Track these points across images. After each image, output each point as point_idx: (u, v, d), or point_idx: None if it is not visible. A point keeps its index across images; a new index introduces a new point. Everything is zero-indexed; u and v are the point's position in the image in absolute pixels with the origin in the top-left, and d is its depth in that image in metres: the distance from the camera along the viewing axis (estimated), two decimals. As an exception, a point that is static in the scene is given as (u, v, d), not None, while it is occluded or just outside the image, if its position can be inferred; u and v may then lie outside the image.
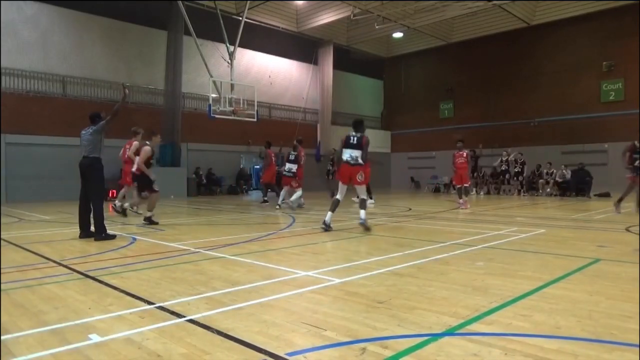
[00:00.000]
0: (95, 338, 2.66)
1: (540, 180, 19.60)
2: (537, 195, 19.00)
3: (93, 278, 4.23)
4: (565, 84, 22.53)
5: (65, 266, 4.81)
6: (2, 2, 14.47)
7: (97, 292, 3.76)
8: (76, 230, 7.69)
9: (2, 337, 2.69)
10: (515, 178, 19.85)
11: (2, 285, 4.00)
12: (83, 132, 7.00)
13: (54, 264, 4.94)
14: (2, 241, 6.74)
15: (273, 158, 14.07)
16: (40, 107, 16.80)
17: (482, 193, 21.00)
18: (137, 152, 9.25)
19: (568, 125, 22.40)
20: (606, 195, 17.10)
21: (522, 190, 19.63)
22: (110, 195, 17.09)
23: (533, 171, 20.07)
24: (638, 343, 2.53)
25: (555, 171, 19.35)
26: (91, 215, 6.80)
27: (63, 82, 17.65)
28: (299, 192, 12.22)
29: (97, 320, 3.01)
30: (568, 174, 18.78)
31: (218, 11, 18.64)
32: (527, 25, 23.12)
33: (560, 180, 18.91)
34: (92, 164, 6.76)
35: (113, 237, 6.74)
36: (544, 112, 23.26)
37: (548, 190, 19.14)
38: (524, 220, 9.50)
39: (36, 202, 15.45)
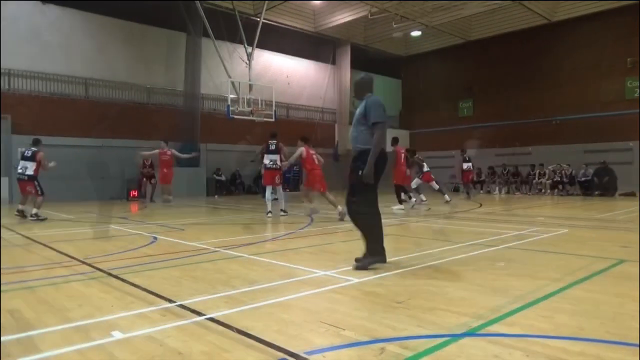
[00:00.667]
0: (117, 335, 2.72)
1: (544, 180, 19.36)
2: (560, 195, 18.68)
3: (115, 276, 4.31)
4: (588, 81, 22.05)
5: (89, 264, 4.90)
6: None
7: (119, 290, 3.83)
8: (100, 229, 7.88)
9: (29, 333, 2.76)
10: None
11: (28, 282, 4.11)
12: None
13: (78, 262, 5.05)
14: (28, 240, 6.91)
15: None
16: (64, 109, 17.16)
17: (502, 192, 20.75)
18: None
19: (591, 123, 21.91)
20: (631, 194, 16.71)
21: (543, 190, 19.37)
22: (131, 195, 17.38)
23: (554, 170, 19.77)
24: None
25: (572, 171, 19.04)
26: None
27: (85, 84, 17.99)
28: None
29: (120, 317, 3.07)
30: (590, 173, 18.42)
31: (236, 12, 18.80)
32: (548, 21, 22.71)
33: (582, 179, 18.57)
34: None
35: None
36: (565, 110, 22.81)
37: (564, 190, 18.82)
38: (546, 220, 9.35)
39: (61, 201, 15.78)
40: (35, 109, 16.50)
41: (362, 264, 4.53)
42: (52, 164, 10.27)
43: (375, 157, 4.47)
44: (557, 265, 4.73)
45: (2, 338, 2.69)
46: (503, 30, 24.24)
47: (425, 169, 13.84)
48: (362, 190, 4.61)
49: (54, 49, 17.27)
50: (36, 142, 10.50)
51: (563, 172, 19.24)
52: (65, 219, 10.42)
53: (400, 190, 12.28)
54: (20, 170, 10.18)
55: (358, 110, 4.77)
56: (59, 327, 2.89)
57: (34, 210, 9.93)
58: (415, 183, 12.92)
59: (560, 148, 21.92)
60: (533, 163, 21.02)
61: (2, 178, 16.01)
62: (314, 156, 9.91)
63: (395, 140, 12.51)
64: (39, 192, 10.09)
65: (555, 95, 23.15)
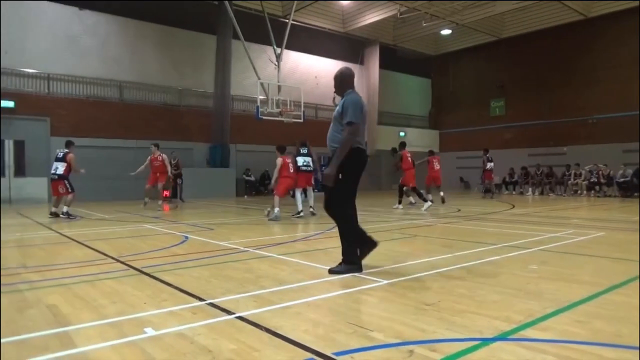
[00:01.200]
0: (150, 332, 2.78)
1: (581, 181, 18.76)
2: (597, 197, 18.08)
3: (148, 274, 4.41)
4: (627, 79, 21.23)
5: (122, 262, 5.04)
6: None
7: (151, 287, 3.91)
8: (133, 228, 8.08)
9: (66, 328, 2.86)
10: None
11: (65, 279, 4.25)
12: None
13: (112, 260, 5.19)
14: (65, 238, 7.16)
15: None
16: (99, 112, 17.70)
17: (536, 193, 20.24)
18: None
19: (631, 122, 21.11)
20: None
21: (579, 191, 18.79)
22: (163, 195, 17.75)
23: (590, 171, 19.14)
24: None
25: (610, 171, 18.38)
26: None
27: (120, 87, 18.51)
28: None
29: (152, 314, 3.14)
30: (629, 174, 17.75)
31: (265, 14, 18.97)
32: (584, 17, 22.01)
33: (621, 180, 17.92)
34: None
35: None
36: (603, 109, 22.04)
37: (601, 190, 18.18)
38: (581, 222, 9.07)
39: (96, 201, 16.28)
40: (72, 112, 17.08)
41: (336, 271, 4.35)
42: (82, 170, 10.76)
43: (340, 159, 4.23)
44: (593, 269, 4.58)
45: (42, 332, 2.80)
46: (537, 27, 23.63)
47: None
48: (336, 193, 4.38)
49: (91, 54, 17.84)
50: (68, 144, 11.01)
51: (600, 172, 18.60)
52: (100, 218, 10.74)
53: (403, 191, 13.02)
54: (52, 171, 10.67)
55: (337, 108, 4.49)
56: (94, 323, 2.98)
57: (65, 209, 10.29)
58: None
59: (597, 148, 21.22)
60: (568, 163, 20.42)
61: (37, 179, 16.61)
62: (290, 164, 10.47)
63: (402, 145, 13.35)
64: (69, 190, 10.47)
65: (592, 93, 22.41)
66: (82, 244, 6.45)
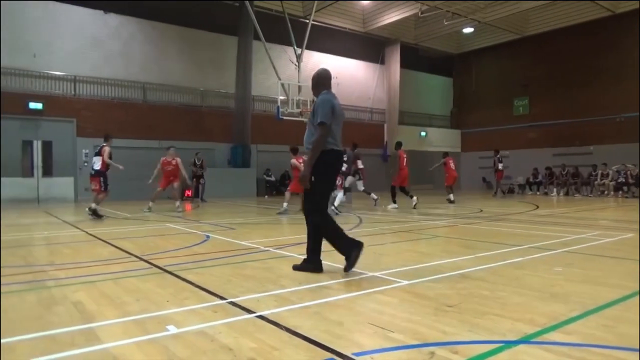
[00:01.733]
0: (172, 329, 2.82)
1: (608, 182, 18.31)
2: (625, 197, 17.61)
3: (170, 273, 4.48)
4: (656, 76, 20.63)
5: (146, 261, 5.12)
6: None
7: (174, 286, 3.97)
8: (156, 227, 8.21)
9: (91, 325, 2.92)
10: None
11: (91, 277, 4.35)
12: None
13: (136, 259, 5.28)
14: (91, 237, 7.32)
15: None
16: (123, 113, 18.04)
17: (561, 194, 19.82)
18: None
19: (660, 121, 20.53)
20: None
21: (606, 192, 18.34)
22: (185, 194, 17.98)
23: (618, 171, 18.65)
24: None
25: (639, 171, 17.87)
26: None
27: (143, 88, 18.83)
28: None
29: (174, 312, 3.18)
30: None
31: (286, 15, 19.06)
32: (612, 13, 21.45)
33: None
34: None
35: None
36: (631, 107, 21.43)
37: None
38: (608, 223, 8.85)
39: (121, 200, 16.59)
40: (97, 113, 17.46)
41: (298, 268, 4.43)
42: (120, 167, 10.39)
43: (312, 160, 4.20)
44: (621, 271, 4.46)
45: (69, 328, 2.86)
46: (562, 24, 23.15)
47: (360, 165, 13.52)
48: (311, 195, 4.34)
49: (115, 56, 18.19)
50: (105, 138, 10.63)
51: (628, 172, 18.09)
52: (124, 217, 10.94)
53: (395, 191, 13.09)
54: (91, 166, 10.47)
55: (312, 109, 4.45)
56: (118, 320, 3.04)
57: (93, 205, 10.17)
58: (348, 182, 12.61)
59: (625, 147, 20.64)
60: (595, 163, 19.93)
61: (64, 178, 17.01)
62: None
63: (398, 145, 13.46)
64: (102, 188, 10.21)
65: (620, 92, 21.81)
66: (107, 243, 6.58)
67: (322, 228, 4.39)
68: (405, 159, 13.16)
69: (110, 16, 18.17)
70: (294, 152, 11.27)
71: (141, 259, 5.23)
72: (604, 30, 22.18)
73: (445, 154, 15.46)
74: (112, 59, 18.12)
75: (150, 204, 12.26)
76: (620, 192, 18.10)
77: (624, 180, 18.12)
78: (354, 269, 4.38)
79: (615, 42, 21.99)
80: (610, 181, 18.61)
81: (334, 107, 4.30)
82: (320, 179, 4.30)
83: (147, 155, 18.22)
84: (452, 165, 14.85)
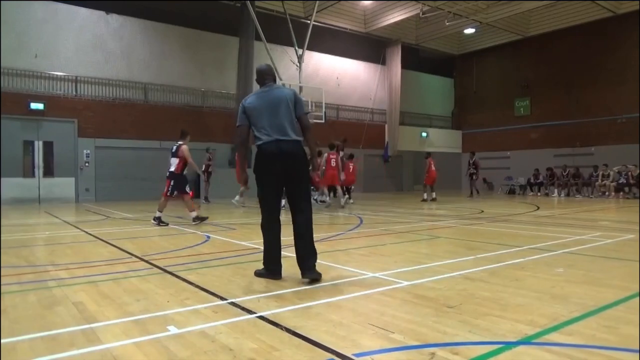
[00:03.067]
0: (173, 330, 2.82)
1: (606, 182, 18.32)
2: (626, 198, 17.58)
3: (171, 273, 4.48)
4: (657, 77, 20.60)
5: (147, 261, 5.13)
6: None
7: (174, 286, 3.97)
8: (157, 227, 8.20)
9: (91, 325, 2.92)
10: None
11: (92, 277, 4.35)
12: None
13: (137, 259, 5.29)
14: (92, 237, 7.32)
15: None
16: (125, 113, 18.06)
17: (562, 195, 19.80)
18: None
19: (661, 122, 20.50)
20: None
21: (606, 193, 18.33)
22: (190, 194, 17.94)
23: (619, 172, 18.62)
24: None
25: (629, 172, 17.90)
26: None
27: (145, 89, 18.84)
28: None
29: (175, 313, 3.18)
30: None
31: (287, 15, 19.07)
32: (613, 14, 21.43)
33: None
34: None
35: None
36: (633, 108, 21.41)
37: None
38: (609, 224, 8.83)
39: (121, 201, 16.61)
40: (99, 113, 17.48)
41: (257, 273, 4.27)
42: (199, 172, 9.05)
43: (239, 162, 4.19)
44: (622, 272, 4.46)
45: (69, 328, 2.87)
46: (564, 24, 23.13)
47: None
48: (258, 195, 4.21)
49: (116, 56, 18.21)
50: (183, 135, 9.21)
51: (630, 173, 18.07)
52: (125, 217, 10.95)
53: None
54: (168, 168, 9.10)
55: None
56: (119, 320, 3.04)
57: (193, 214, 8.93)
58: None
59: (627, 148, 20.61)
60: (596, 164, 19.91)
61: (65, 179, 17.02)
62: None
63: (428, 154, 15.11)
64: (167, 192, 8.92)
65: (621, 92, 21.78)
66: (108, 243, 6.59)
67: (262, 231, 4.27)
68: (433, 164, 15.98)
69: (112, 17, 18.18)
70: (330, 147, 13.28)
71: (142, 260, 5.23)
72: (605, 30, 22.16)
73: (428, 155, 16.72)
74: (114, 60, 18.14)
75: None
76: (621, 193, 18.07)
77: (625, 181, 18.10)
78: (354, 270, 4.37)
79: (617, 43, 21.97)
80: (611, 182, 18.58)
81: (244, 107, 4.12)
82: (256, 181, 4.16)
83: (148, 156, 18.29)
84: (433, 166, 16.11)
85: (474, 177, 19.08)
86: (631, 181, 17.94)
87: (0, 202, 14.61)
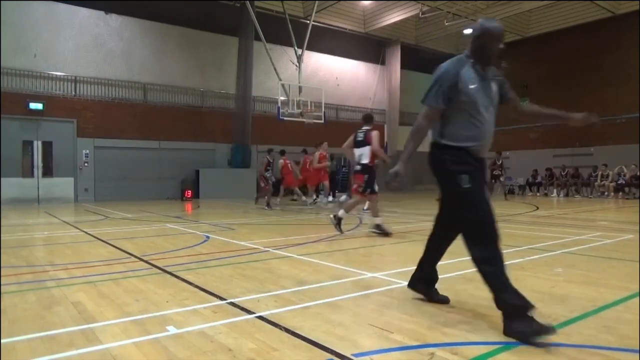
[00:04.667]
0: (172, 330, 2.82)
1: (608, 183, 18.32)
2: (626, 199, 17.59)
3: (170, 273, 4.48)
4: (657, 77, 20.62)
5: (146, 261, 5.12)
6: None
7: (174, 286, 3.97)
8: (156, 227, 8.19)
9: (91, 325, 2.92)
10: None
11: (90, 277, 4.35)
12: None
13: (136, 259, 5.28)
14: (91, 237, 7.32)
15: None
16: (124, 113, 18.05)
17: (561, 195, 19.81)
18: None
19: (661, 122, 20.50)
20: None
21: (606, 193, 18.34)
22: (185, 195, 17.95)
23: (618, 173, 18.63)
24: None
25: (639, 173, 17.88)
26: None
27: (144, 89, 18.83)
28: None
29: (174, 313, 3.18)
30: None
31: (286, 15, 19.06)
32: (612, 14, 21.46)
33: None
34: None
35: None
36: (632, 108, 21.43)
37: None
38: (608, 224, 8.84)
39: (121, 201, 16.60)
40: (98, 113, 17.47)
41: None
42: (387, 159, 7.70)
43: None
44: (621, 272, 4.46)
45: (69, 329, 2.86)
46: (563, 25, 23.15)
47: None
48: None
49: (116, 56, 18.19)
50: (366, 118, 7.76)
51: (625, 173, 18.12)
52: (124, 217, 10.94)
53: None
54: (358, 160, 7.65)
55: None
56: (118, 320, 3.04)
57: (378, 220, 7.34)
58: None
59: (627, 148, 20.61)
60: (595, 164, 19.92)
61: (64, 179, 17.01)
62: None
63: (282, 152, 15.47)
64: (364, 189, 7.44)
65: (621, 92, 21.79)
66: (107, 243, 6.59)
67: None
68: (290, 165, 16.11)
69: (112, 17, 18.16)
70: (282, 153, 14.97)
71: (141, 260, 5.23)
72: (604, 31, 22.18)
73: (282, 153, 16.52)
74: (113, 60, 18.12)
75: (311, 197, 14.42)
76: (621, 193, 18.08)
77: (624, 181, 18.11)
78: (353, 270, 4.37)
79: (616, 43, 21.98)
80: (611, 182, 18.59)
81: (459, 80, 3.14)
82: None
83: (148, 156, 18.30)
84: (288, 166, 16.26)
85: (500, 178, 18.14)
86: (628, 181, 17.94)
87: (0, 202, 14.59)
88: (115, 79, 18.14)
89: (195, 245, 6.37)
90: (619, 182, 18.29)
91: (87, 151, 17.23)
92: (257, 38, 18.30)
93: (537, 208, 13.22)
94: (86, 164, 17.25)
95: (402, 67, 25.36)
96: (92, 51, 17.62)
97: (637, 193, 17.88)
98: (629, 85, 21.43)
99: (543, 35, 24.32)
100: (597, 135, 22.28)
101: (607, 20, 21.81)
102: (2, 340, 2.62)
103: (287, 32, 18.81)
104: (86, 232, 7.90)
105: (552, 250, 5.71)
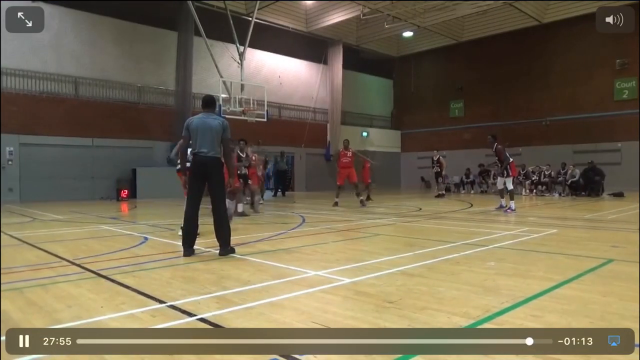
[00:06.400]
0: (107, 336, 2.68)
1: (527, 181, 19.57)
2: (542, 196, 18.81)
3: (105, 277, 4.27)
4: (577, 83, 22.31)
5: (78, 265, 4.86)
6: (1, 1, 14.56)
7: (109, 291, 3.79)
8: (89, 229, 7.79)
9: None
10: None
11: (16, 283, 4.06)
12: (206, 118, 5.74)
13: (67, 263, 5.00)
14: (16, 240, 6.84)
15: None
16: (53, 108, 17.01)
17: (477, 192, 20.85)
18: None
19: (580, 124, 22.18)
20: (620, 194, 16.88)
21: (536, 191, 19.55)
22: (122, 194, 17.21)
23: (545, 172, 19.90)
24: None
25: (551, 172, 19.26)
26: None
27: (75, 83, 17.85)
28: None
29: (109, 318, 3.04)
30: (577, 174, 18.58)
31: (228, 12, 18.75)
32: (538, 23, 22.94)
33: (569, 181, 18.71)
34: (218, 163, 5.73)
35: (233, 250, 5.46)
36: (555, 111, 23.05)
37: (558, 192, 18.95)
38: (536, 220, 9.42)
39: (49, 201, 15.63)
40: (24, 108, 16.33)
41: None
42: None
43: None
44: (547, 264, 4.77)
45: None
46: (494, 31, 24.46)
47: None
48: None
49: (44, 47, 17.11)
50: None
51: (542, 172, 19.46)
52: (54, 219, 10.32)
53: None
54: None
55: None
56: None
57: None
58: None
59: (550, 149, 22.10)
60: (523, 163, 21.16)
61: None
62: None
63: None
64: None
65: (546, 96, 23.37)
66: (34, 246, 6.18)
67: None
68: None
69: (40, 5, 17.04)
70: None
71: (73, 263, 4.96)
72: (531, 38, 23.65)
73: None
74: (41, 51, 17.02)
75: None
76: (535, 191, 19.34)
77: (537, 178, 19.43)
78: (297, 268, 4.38)
79: (542, 50, 23.51)
80: (526, 180, 19.85)
81: (189, 124, 5.74)
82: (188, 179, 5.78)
83: (79, 154, 17.37)
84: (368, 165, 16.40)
85: (439, 176, 18.44)
86: (543, 179, 19.24)
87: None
88: (43, 71, 17.06)
89: (132, 247, 6.13)
90: (533, 179, 19.55)
91: (12, 148, 16.08)
92: (198, 33, 17.87)
93: (472, 205, 13.86)
94: (10, 162, 16.09)
95: (344, 67, 25.74)
96: (17, 41, 16.43)
97: (557, 190, 19.13)
98: (551, 91, 23.01)
99: (476, 40, 25.56)
100: (525, 136, 23.72)
101: (534, 28, 23.26)
102: None
103: (229, 28, 18.50)
104: (11, 235, 7.36)
105: (484, 245, 6.01)
